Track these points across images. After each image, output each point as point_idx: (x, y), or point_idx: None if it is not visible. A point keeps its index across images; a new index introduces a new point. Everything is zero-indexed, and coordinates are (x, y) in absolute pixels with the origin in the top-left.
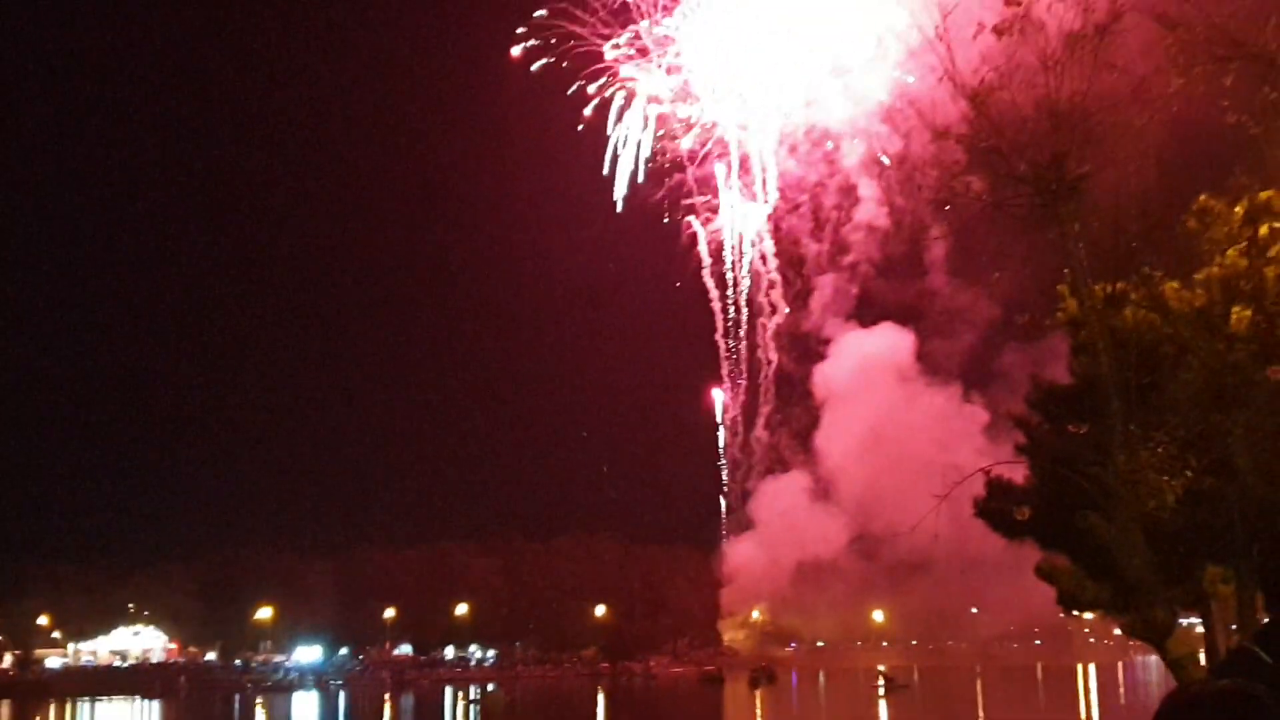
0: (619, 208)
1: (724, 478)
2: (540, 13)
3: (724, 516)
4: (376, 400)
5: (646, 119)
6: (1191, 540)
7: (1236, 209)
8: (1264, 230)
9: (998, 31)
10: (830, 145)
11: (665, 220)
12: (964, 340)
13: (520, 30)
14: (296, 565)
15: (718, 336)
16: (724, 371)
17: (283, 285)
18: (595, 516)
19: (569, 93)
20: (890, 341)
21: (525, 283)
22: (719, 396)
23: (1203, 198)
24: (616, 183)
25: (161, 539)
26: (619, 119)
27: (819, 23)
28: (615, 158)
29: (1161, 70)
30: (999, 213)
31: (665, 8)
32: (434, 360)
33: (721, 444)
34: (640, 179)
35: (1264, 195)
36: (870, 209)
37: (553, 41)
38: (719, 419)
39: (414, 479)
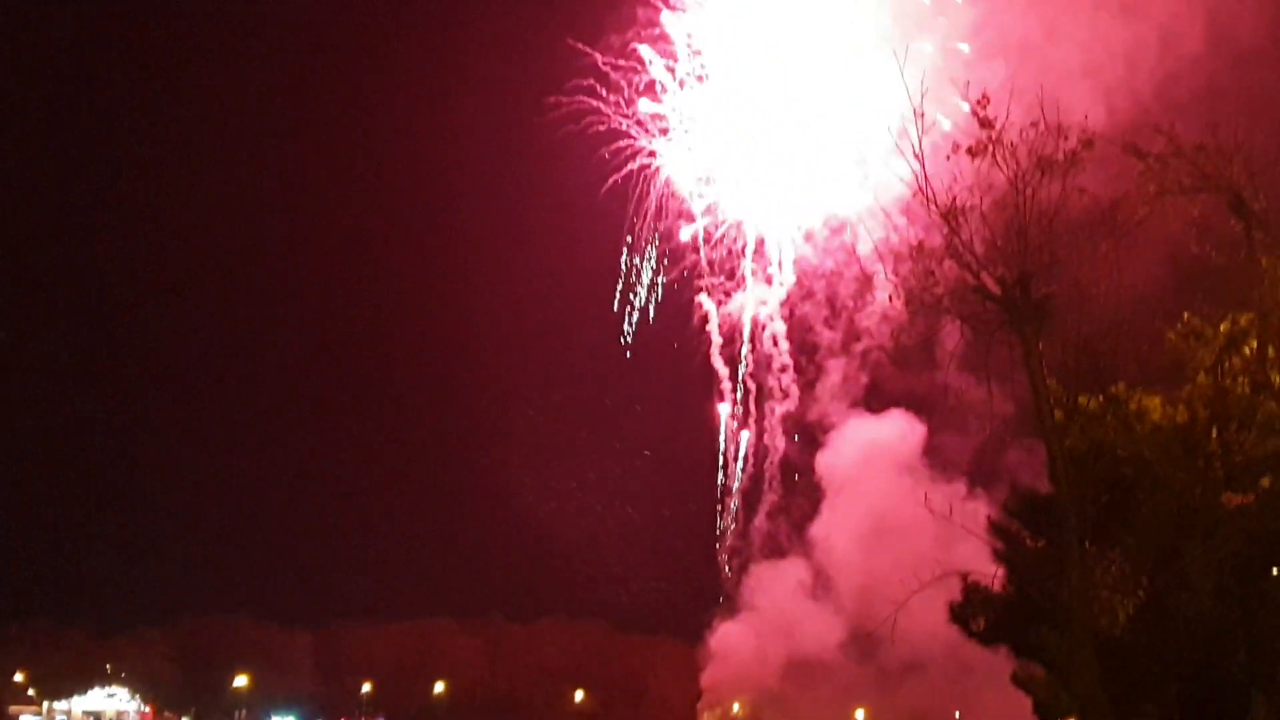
0: (627, 334)
1: (720, 554)
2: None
3: (719, 598)
4: (363, 472)
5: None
6: (1143, 660)
7: (1221, 327)
8: (1246, 351)
9: (971, 153)
10: (848, 235)
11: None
12: (973, 435)
13: (552, 98)
14: (275, 635)
15: (722, 415)
16: (725, 453)
17: (269, 356)
18: (581, 599)
19: (586, 155)
20: (898, 431)
21: (518, 357)
22: (718, 481)
23: (1187, 316)
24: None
25: (142, 603)
26: (637, 198)
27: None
28: (631, 281)
29: (1130, 198)
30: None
31: (688, 84)
32: (422, 436)
33: (719, 524)
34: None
35: (1244, 319)
36: (884, 298)
37: (584, 108)
38: (718, 500)
39: (399, 553)
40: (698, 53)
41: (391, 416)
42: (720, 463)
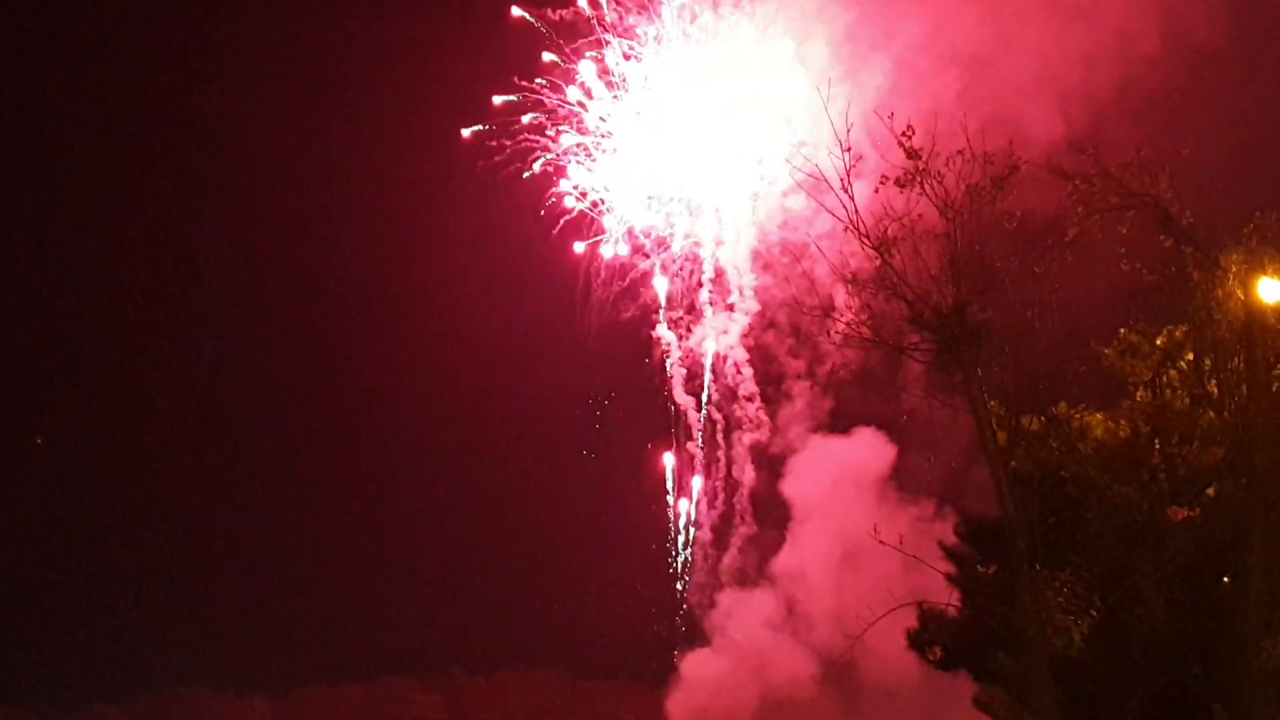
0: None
1: (682, 590)
2: (503, 98)
3: (681, 632)
4: (314, 532)
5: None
6: (1101, 677)
7: (1158, 341)
8: (1182, 364)
9: (899, 184)
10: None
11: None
12: (940, 455)
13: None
14: (233, 705)
15: (689, 448)
16: (686, 486)
17: (205, 419)
18: (540, 647)
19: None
20: (865, 452)
21: (471, 399)
22: (678, 514)
23: (1123, 332)
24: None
25: (97, 679)
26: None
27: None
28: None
29: (1061, 219)
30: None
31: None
32: (372, 491)
33: (676, 559)
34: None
35: (1179, 332)
36: (852, 316)
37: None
38: (679, 535)
39: (354, 612)
40: (621, 84)
41: (341, 472)
42: (676, 499)
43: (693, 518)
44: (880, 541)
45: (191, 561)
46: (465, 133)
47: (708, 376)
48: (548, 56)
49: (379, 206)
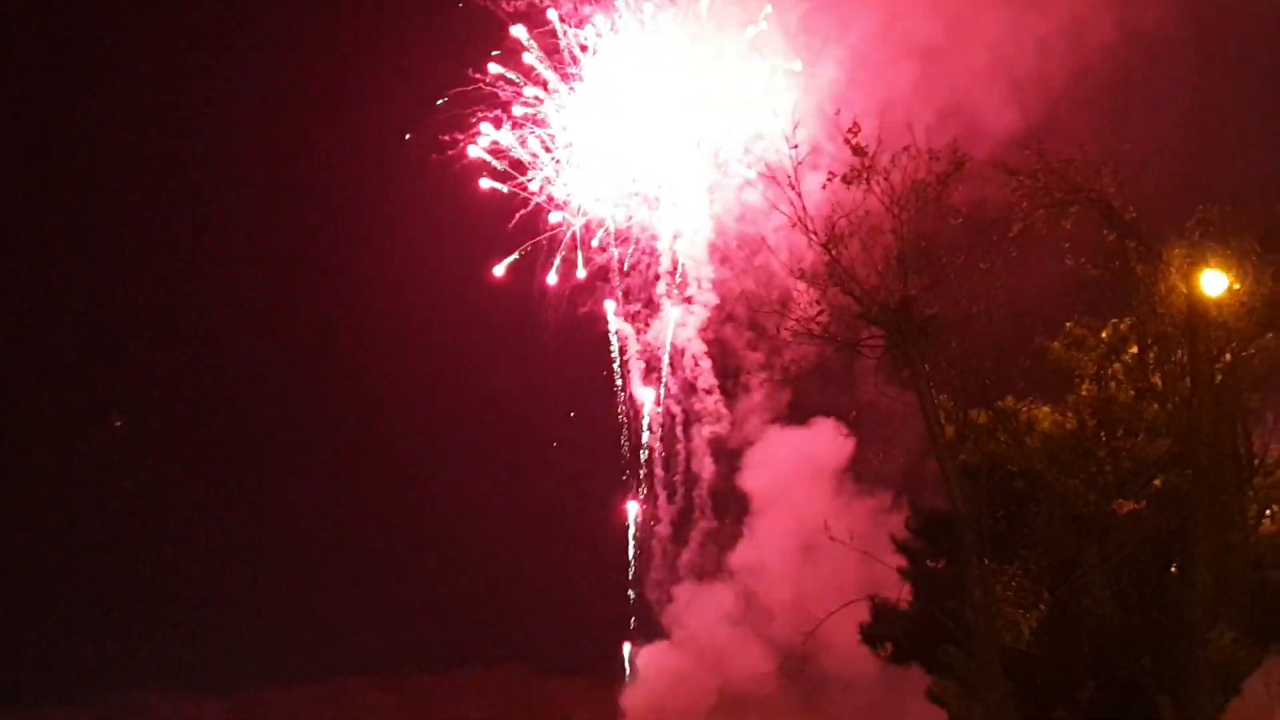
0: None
1: (631, 592)
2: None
3: (633, 627)
4: (268, 531)
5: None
6: (1051, 669)
7: (1103, 334)
8: (1127, 357)
9: (846, 181)
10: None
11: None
12: (899, 445)
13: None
14: (188, 706)
15: (646, 444)
16: (642, 483)
17: (164, 410)
18: (497, 644)
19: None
20: (822, 444)
21: (423, 397)
22: (633, 509)
23: (1069, 325)
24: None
25: (47, 680)
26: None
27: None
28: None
29: (1005, 214)
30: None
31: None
32: (326, 492)
33: (632, 553)
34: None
35: (1124, 325)
36: (803, 312)
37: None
38: (632, 531)
39: (309, 611)
40: (575, 76)
41: (292, 472)
42: (633, 494)
43: (651, 512)
44: (831, 538)
45: (140, 560)
46: (408, 136)
47: (665, 369)
48: (496, 63)
49: (321, 204)
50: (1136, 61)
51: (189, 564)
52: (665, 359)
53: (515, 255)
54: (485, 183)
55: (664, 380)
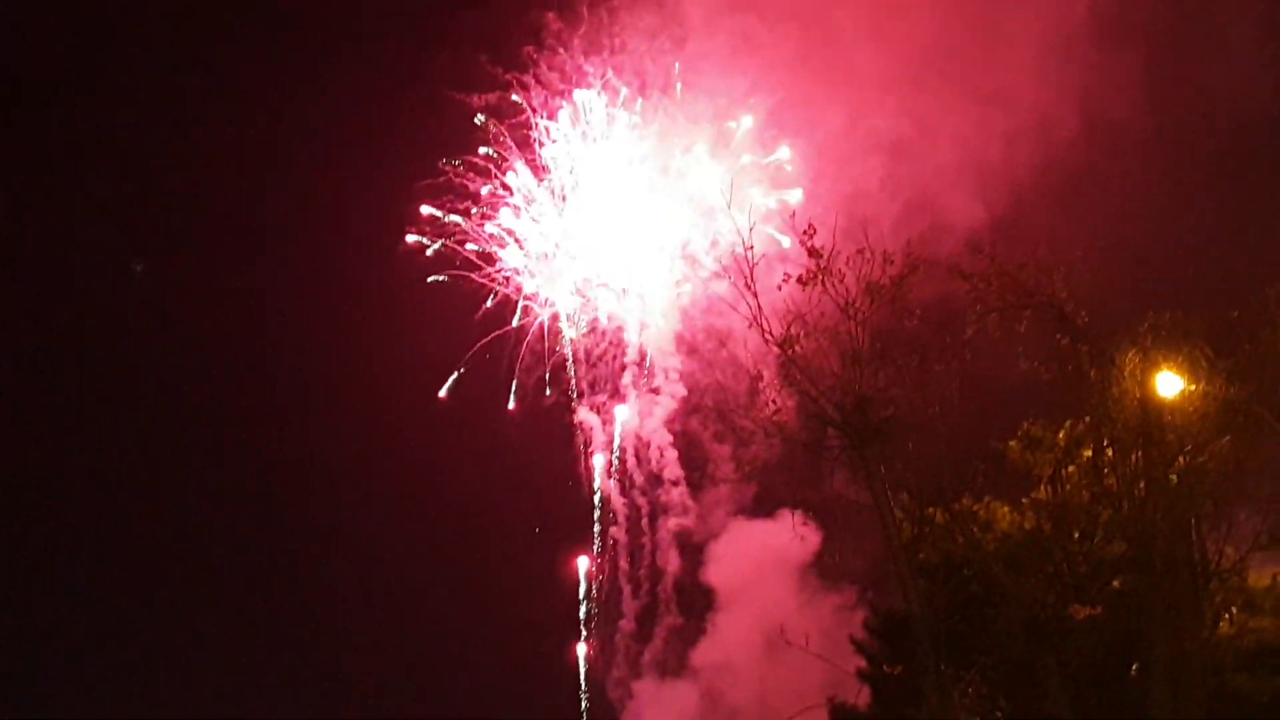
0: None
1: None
2: (428, 209)
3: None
4: (236, 633)
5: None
6: None
7: (1060, 434)
8: (1081, 459)
9: (801, 282)
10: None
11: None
12: (865, 539)
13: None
14: None
15: (612, 534)
16: (608, 574)
17: (79, 482)
18: None
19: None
20: (787, 537)
21: (374, 497)
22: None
23: (1027, 424)
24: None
25: None
26: (516, 322)
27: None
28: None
29: (956, 320)
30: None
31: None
32: (283, 571)
33: (595, 648)
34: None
35: (1081, 425)
36: (763, 409)
37: (448, 229)
38: (595, 625)
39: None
40: (547, 169)
41: (259, 554)
42: (595, 587)
43: (615, 606)
44: (787, 642)
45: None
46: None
47: (630, 461)
48: (465, 155)
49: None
50: (1100, 158)
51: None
52: (630, 450)
53: (455, 375)
54: (449, 274)
55: (628, 471)
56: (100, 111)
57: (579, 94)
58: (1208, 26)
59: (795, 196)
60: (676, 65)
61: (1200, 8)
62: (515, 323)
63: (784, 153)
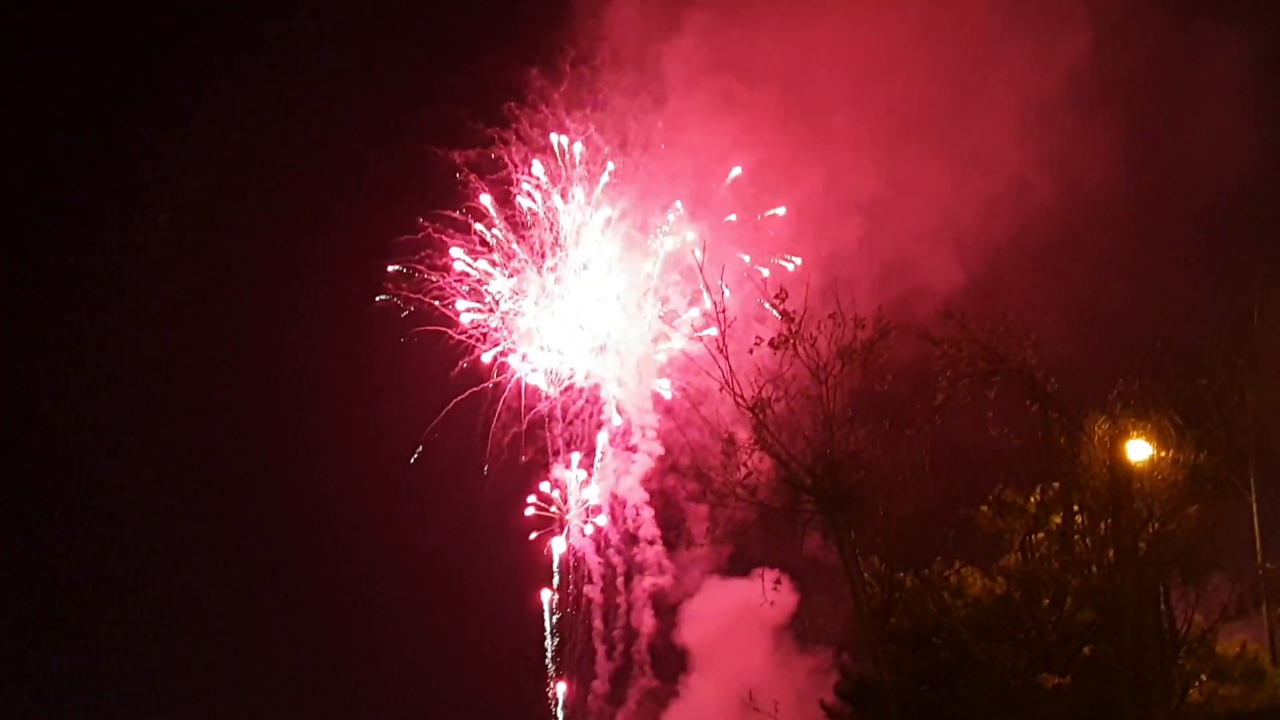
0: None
1: None
2: (395, 267)
3: None
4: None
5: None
6: None
7: (1031, 500)
8: (1052, 525)
9: (773, 346)
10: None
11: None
12: (839, 603)
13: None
14: None
15: (587, 592)
16: (581, 635)
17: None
18: None
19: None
20: (762, 596)
21: (343, 556)
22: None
23: (998, 490)
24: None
25: None
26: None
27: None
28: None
29: (928, 384)
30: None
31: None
32: (250, 629)
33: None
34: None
35: (1051, 491)
36: (737, 471)
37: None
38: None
39: None
40: (525, 225)
41: (228, 613)
42: (566, 651)
43: (589, 668)
44: (755, 709)
45: None
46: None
47: (605, 519)
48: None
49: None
50: (1077, 224)
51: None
52: (605, 508)
53: (425, 439)
54: (425, 330)
55: (602, 530)
56: (75, 174)
57: (559, 148)
58: (1185, 95)
59: (774, 257)
60: (659, 124)
61: (1178, 77)
62: (492, 380)
63: (764, 213)
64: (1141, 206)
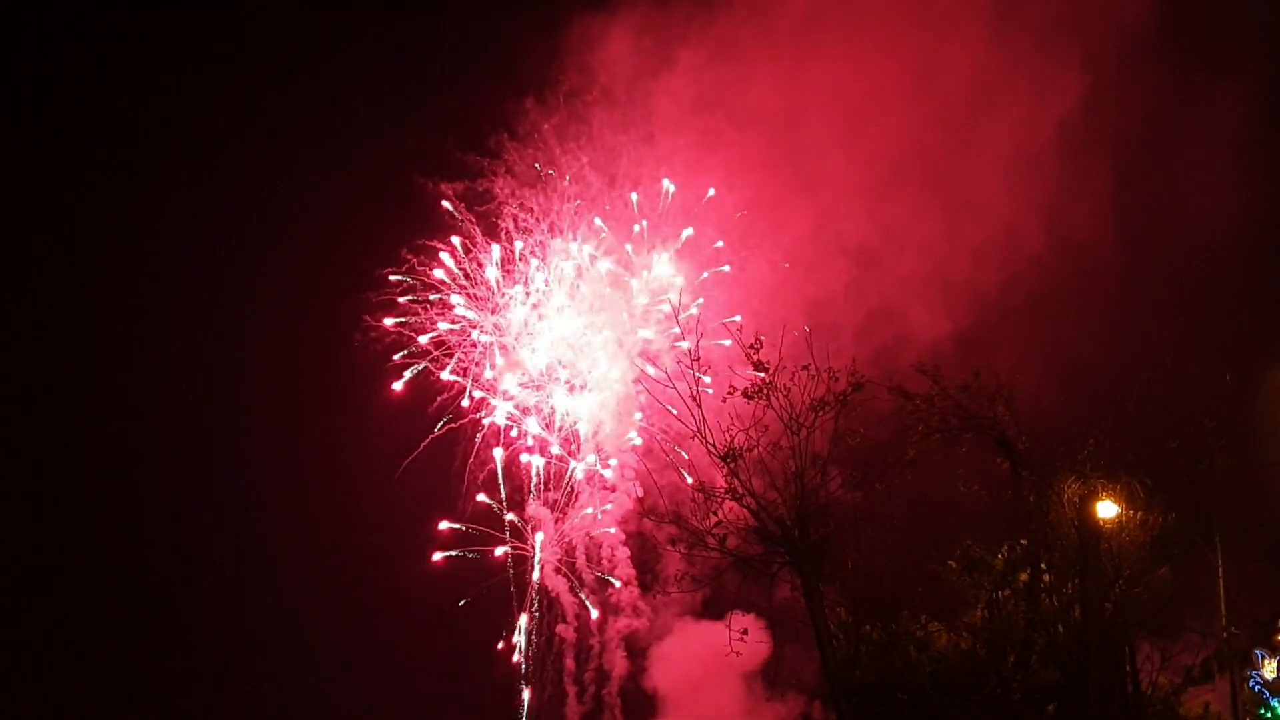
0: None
1: None
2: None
3: None
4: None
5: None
6: None
7: (999, 557)
8: (1022, 578)
9: (746, 395)
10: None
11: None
12: (811, 650)
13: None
14: None
15: (560, 631)
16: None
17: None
18: None
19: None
20: (736, 641)
21: (314, 585)
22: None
23: (965, 544)
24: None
25: None
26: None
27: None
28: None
29: (899, 439)
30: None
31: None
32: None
33: None
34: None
35: (1019, 548)
36: (710, 520)
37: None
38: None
39: None
40: (509, 263)
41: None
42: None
43: (559, 711)
44: None
45: None
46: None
47: (580, 560)
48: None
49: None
50: (1063, 276)
51: None
52: (580, 549)
53: (401, 465)
54: (404, 362)
55: (577, 571)
56: (63, 212)
57: (546, 185)
58: (1176, 149)
59: (754, 299)
60: (649, 161)
61: (1170, 131)
62: (470, 417)
63: (744, 260)
64: (1127, 260)
